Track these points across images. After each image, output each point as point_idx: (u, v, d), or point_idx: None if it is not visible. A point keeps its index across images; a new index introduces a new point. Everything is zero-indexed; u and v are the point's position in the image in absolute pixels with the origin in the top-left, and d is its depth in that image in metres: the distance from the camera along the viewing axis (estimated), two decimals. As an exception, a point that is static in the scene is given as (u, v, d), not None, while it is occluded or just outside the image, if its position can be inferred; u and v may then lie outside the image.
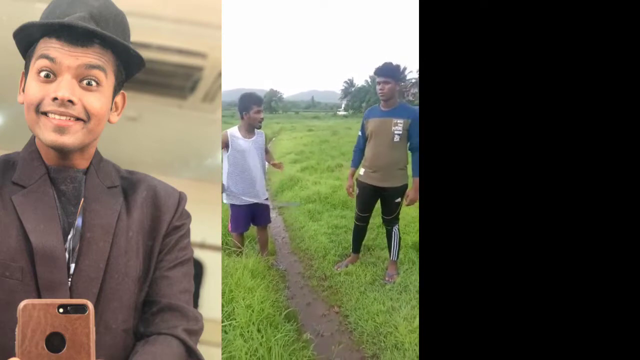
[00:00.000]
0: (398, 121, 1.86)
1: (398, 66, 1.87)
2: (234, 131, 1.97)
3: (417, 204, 1.98)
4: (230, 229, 2.10)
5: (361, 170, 2.04)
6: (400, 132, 1.86)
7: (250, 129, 1.98)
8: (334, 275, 2.18)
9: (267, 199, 2.15)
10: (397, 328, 1.60)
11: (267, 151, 2.17)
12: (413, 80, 35.30)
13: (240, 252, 2.00)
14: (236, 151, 1.94)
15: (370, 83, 40.08)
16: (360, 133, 2.06)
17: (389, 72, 1.84)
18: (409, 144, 1.93)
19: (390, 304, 1.80)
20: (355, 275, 2.13)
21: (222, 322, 1.32)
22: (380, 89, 1.86)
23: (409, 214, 2.99)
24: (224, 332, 1.29)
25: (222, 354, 1.18)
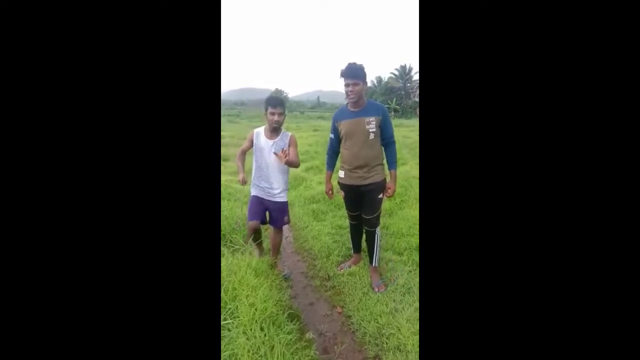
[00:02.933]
0: (370, 119, 1.88)
1: (362, 66, 1.85)
2: (259, 130, 2.04)
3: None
4: (247, 219, 2.09)
5: (340, 173, 2.04)
6: (374, 130, 1.89)
7: (271, 129, 2.00)
8: (337, 276, 2.18)
9: (285, 202, 2.11)
10: (399, 330, 1.59)
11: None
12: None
13: (237, 249, 1.97)
14: (257, 148, 2.01)
15: (376, 84, 40.02)
16: (332, 135, 2.06)
17: (357, 73, 1.83)
18: (381, 139, 1.97)
19: (393, 305, 1.80)
20: (359, 275, 2.13)
21: (225, 319, 1.32)
22: (351, 91, 1.84)
23: (414, 215, 2.97)
24: (227, 329, 1.29)
25: (225, 351, 1.19)
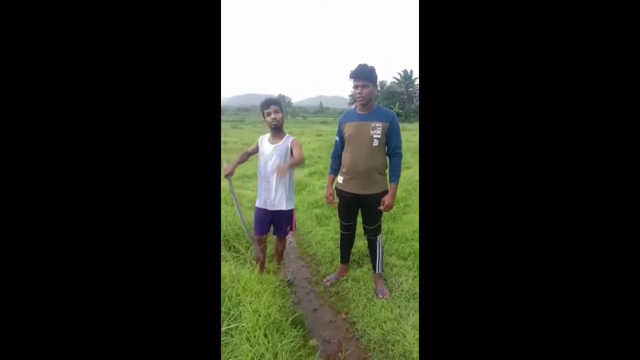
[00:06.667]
0: (376, 124, 1.79)
1: (373, 68, 1.77)
2: (264, 136, 2.00)
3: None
4: (253, 233, 2.11)
5: (339, 178, 1.96)
6: (379, 136, 1.80)
7: (273, 132, 1.95)
8: (341, 281, 2.16)
9: (289, 210, 2.04)
10: (405, 336, 1.57)
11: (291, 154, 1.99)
12: (422, 86, 35.21)
13: (239, 256, 1.99)
14: (260, 154, 1.98)
15: (379, 88, 40.15)
16: (337, 138, 1.99)
17: (367, 75, 1.75)
18: (387, 148, 1.88)
19: (398, 311, 1.78)
20: (363, 281, 2.11)
21: (229, 325, 1.31)
22: (359, 93, 1.77)
23: (418, 219, 2.95)
24: (230, 335, 1.28)
25: (228, 358, 1.18)
